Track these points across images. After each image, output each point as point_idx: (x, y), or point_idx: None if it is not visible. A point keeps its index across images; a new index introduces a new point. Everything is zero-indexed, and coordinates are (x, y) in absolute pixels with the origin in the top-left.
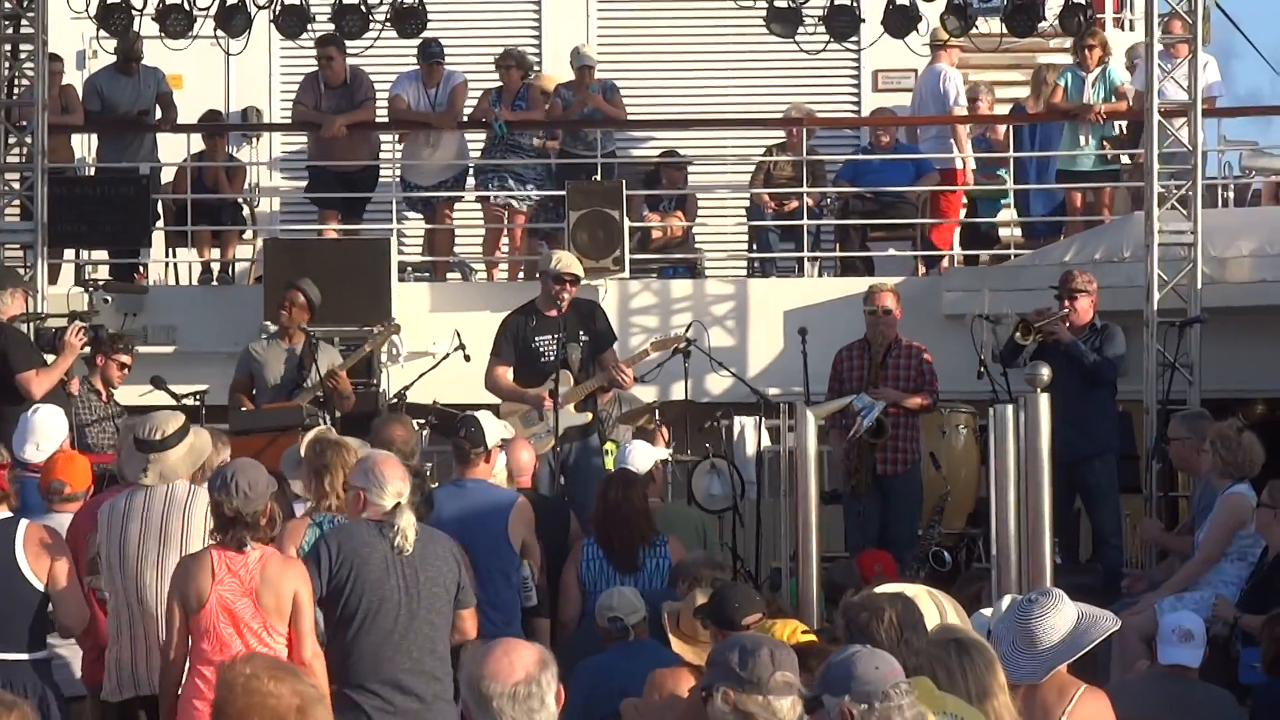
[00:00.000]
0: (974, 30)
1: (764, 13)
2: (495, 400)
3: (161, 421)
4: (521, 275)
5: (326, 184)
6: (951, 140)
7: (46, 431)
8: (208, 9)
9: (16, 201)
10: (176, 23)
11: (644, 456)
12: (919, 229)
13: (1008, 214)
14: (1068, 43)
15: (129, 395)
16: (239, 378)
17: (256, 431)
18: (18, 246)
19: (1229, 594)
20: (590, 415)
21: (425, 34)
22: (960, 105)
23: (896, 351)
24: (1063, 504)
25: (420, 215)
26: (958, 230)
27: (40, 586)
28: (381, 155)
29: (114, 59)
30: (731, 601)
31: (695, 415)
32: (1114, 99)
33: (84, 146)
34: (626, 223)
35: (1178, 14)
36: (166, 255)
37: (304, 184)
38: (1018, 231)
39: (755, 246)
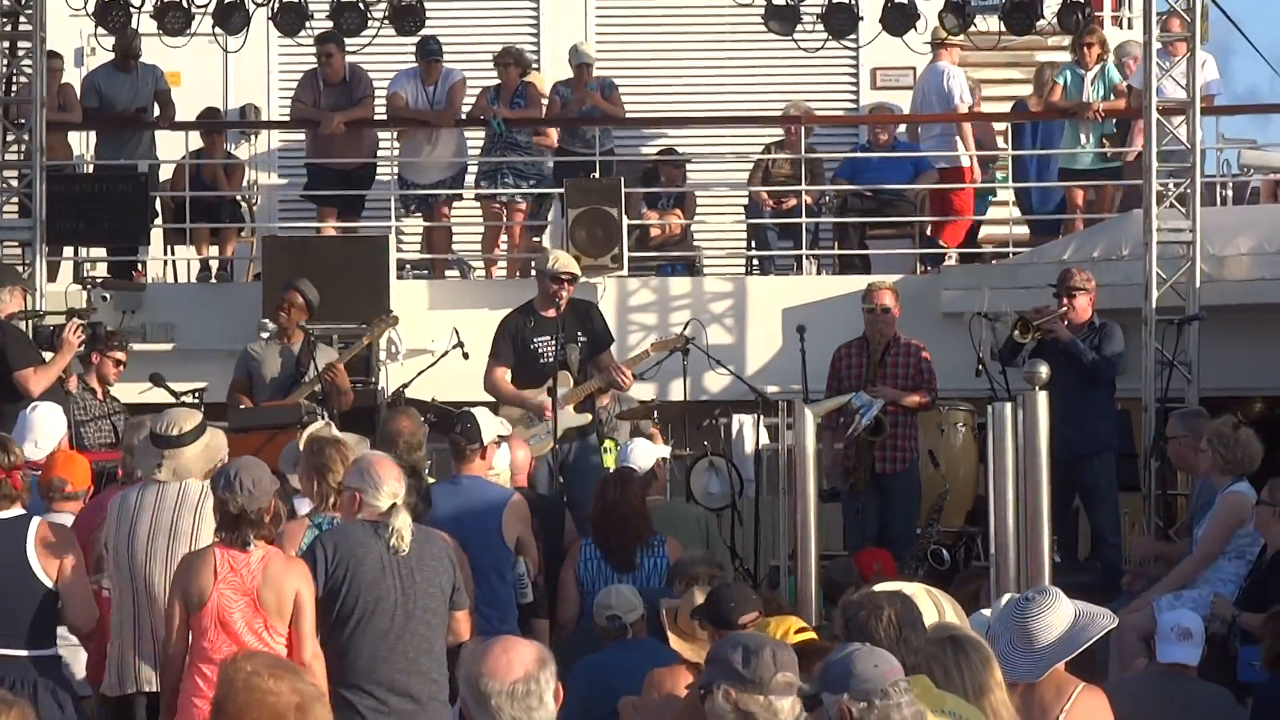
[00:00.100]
0: (972, 28)
1: (762, 10)
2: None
3: (179, 418)
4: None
5: (325, 182)
6: (957, 138)
7: (45, 429)
8: (206, 6)
9: (15, 199)
10: (175, 20)
11: (646, 454)
12: (918, 227)
13: (995, 211)
14: (1066, 41)
15: (128, 393)
16: (238, 377)
17: (255, 429)
18: (16, 244)
19: (1227, 592)
20: (590, 416)
21: (423, 32)
22: (965, 103)
23: (895, 349)
24: (1061, 502)
25: (419, 213)
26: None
27: (50, 584)
28: (380, 153)
29: (112, 56)
30: (728, 601)
31: (694, 413)
32: (1113, 97)
33: (82, 144)
34: (625, 221)
35: (1176, 12)
36: (165, 253)
37: (302, 181)
38: (1015, 229)
39: (754, 244)
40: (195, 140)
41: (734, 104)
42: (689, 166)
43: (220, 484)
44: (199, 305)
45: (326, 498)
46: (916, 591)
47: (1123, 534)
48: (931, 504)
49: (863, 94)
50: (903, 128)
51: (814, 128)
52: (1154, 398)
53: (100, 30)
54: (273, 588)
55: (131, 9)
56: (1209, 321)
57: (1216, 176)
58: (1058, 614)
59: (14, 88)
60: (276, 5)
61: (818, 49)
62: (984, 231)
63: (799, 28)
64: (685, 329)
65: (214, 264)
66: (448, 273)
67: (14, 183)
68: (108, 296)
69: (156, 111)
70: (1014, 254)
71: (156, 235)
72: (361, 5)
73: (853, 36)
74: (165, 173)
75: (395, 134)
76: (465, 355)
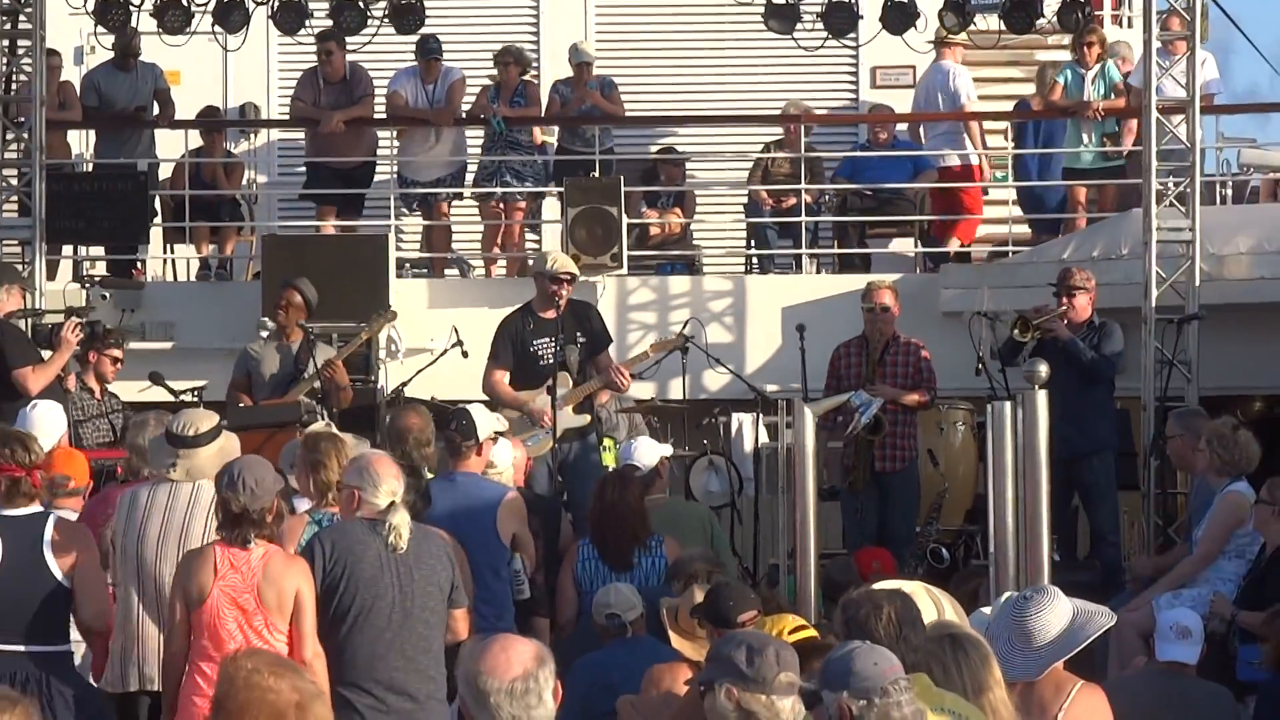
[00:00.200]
0: (972, 27)
1: (762, 9)
2: None
3: (196, 418)
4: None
5: (325, 180)
6: (965, 136)
7: (45, 427)
8: (205, 5)
9: (14, 197)
10: (174, 18)
11: (649, 452)
12: (917, 225)
13: (995, 211)
14: (1066, 40)
15: (128, 391)
16: (237, 377)
17: (254, 428)
18: (15, 242)
19: (1226, 591)
20: (589, 417)
21: (423, 30)
22: (971, 101)
23: (894, 348)
24: (1061, 501)
25: (418, 211)
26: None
27: (65, 580)
28: (379, 151)
29: (112, 55)
30: (726, 600)
31: (693, 412)
32: (1113, 96)
33: (82, 142)
34: (624, 219)
35: (1176, 11)
36: (164, 251)
37: (302, 180)
38: (1016, 229)
39: (753, 243)
40: (195, 139)
41: (734, 103)
42: (689, 165)
43: (224, 482)
44: (198, 304)
45: (322, 493)
46: (916, 590)
47: (1122, 533)
48: (931, 503)
49: (862, 93)
50: (903, 126)
51: (813, 126)
52: (1153, 397)
53: (100, 29)
54: (273, 585)
55: (131, 7)
56: (1208, 320)
57: (1216, 175)
58: (1056, 612)
59: (13, 86)
60: (276, 4)
61: (817, 48)
62: (984, 230)
63: (799, 26)
64: (685, 328)
65: (213, 263)
66: (447, 272)
67: (13, 181)
68: (107, 295)
69: (156, 110)
70: (1014, 253)
71: (156, 234)
72: (361, 4)
73: (852, 35)
74: (165, 171)
75: (395, 133)
76: (464, 354)
